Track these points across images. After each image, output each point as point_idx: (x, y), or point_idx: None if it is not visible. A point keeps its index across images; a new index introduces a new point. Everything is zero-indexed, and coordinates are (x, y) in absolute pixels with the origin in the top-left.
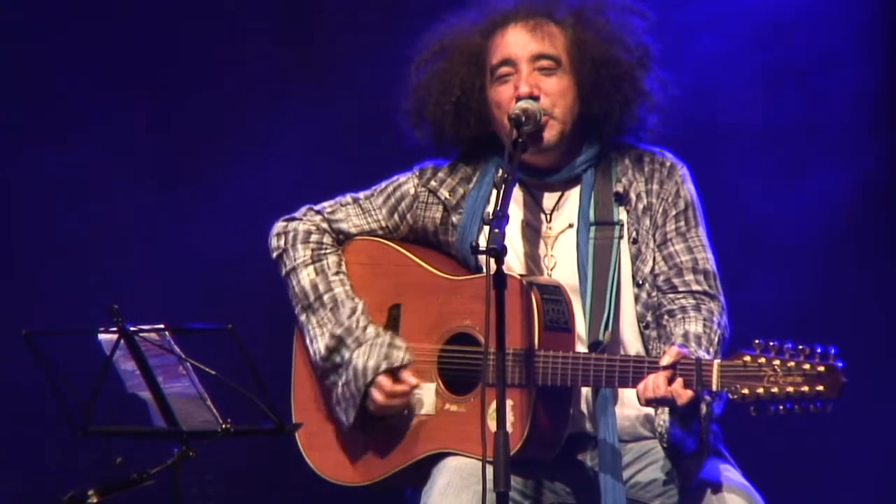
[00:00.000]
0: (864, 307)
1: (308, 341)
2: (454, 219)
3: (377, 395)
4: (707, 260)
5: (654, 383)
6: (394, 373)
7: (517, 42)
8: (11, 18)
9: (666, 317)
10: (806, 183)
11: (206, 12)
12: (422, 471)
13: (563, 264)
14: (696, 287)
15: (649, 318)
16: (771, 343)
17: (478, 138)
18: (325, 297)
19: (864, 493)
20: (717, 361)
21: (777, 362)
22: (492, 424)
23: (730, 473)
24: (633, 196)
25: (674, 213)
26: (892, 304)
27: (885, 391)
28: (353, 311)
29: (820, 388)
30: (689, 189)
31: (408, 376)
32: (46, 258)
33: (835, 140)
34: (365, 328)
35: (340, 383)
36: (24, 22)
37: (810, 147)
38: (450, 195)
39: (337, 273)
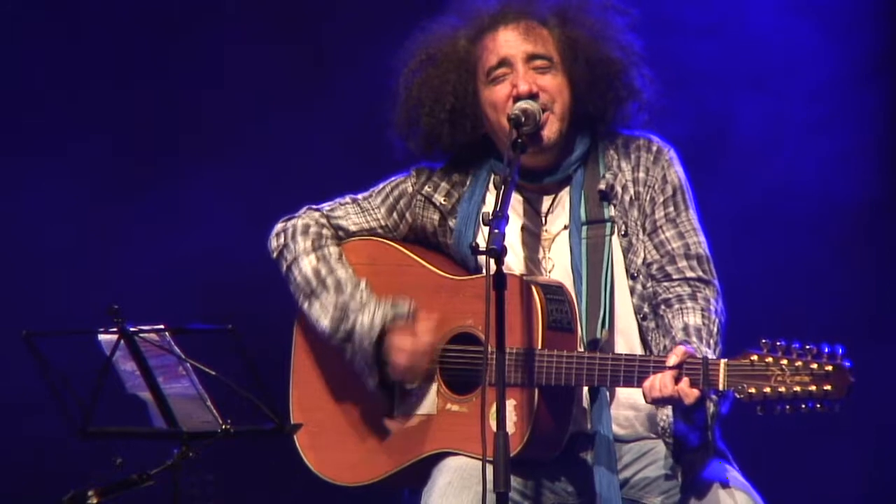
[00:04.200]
0: (857, 306)
1: (315, 323)
2: (450, 223)
3: (405, 342)
4: (699, 244)
5: (661, 382)
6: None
7: (510, 42)
8: None
9: (663, 307)
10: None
11: (207, 9)
12: (422, 471)
13: (560, 266)
14: (689, 273)
15: (646, 310)
16: (778, 342)
17: (471, 142)
18: (328, 280)
19: (863, 493)
20: (723, 361)
21: (784, 362)
22: (493, 424)
23: (730, 473)
24: (618, 189)
25: (662, 199)
26: (882, 302)
27: (884, 390)
28: (357, 285)
29: (827, 387)
30: (676, 172)
31: (425, 316)
32: (46, 259)
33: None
34: (369, 296)
35: (356, 351)
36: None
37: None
38: (445, 200)
39: (339, 260)
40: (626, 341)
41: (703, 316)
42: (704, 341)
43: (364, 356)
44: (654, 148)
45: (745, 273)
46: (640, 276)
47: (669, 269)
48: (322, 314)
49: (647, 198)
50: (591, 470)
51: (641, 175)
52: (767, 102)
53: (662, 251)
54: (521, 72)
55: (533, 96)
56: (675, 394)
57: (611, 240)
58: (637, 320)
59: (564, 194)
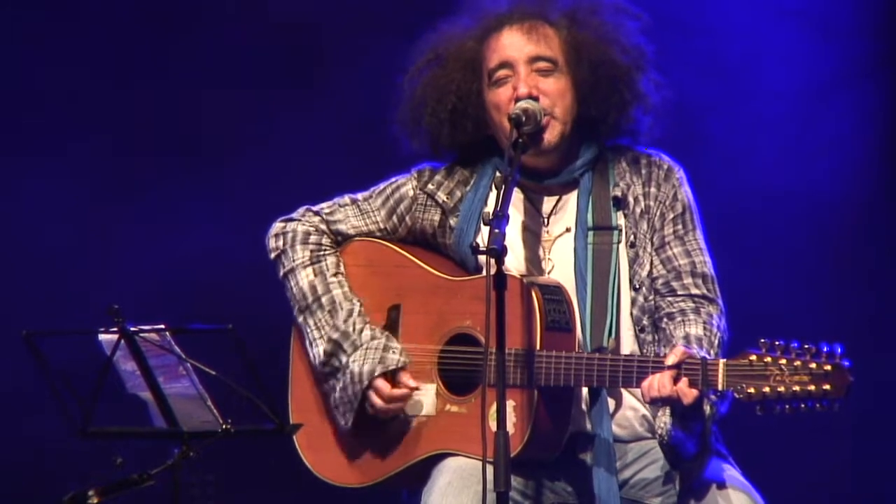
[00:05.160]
0: (857, 307)
1: (307, 344)
2: (451, 221)
3: (375, 400)
4: (705, 263)
5: (660, 382)
6: (392, 375)
7: (513, 44)
8: None
9: (665, 320)
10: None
11: (207, 9)
12: (422, 472)
13: (560, 268)
14: (694, 291)
15: (645, 322)
16: (777, 342)
17: (475, 142)
18: (324, 299)
19: (863, 492)
20: (722, 361)
21: (783, 361)
22: (493, 425)
23: (730, 472)
24: (630, 200)
25: (671, 216)
26: (884, 302)
27: (884, 392)
28: (350, 313)
29: (826, 387)
30: (686, 192)
31: (406, 379)
32: (46, 259)
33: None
34: (361, 331)
35: (338, 387)
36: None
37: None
38: (447, 198)
39: (336, 274)
40: (623, 352)
41: (704, 328)
42: (704, 349)
43: (349, 398)
44: (666, 166)
45: (741, 272)
46: (643, 289)
47: (675, 284)
48: (316, 338)
49: (658, 213)
50: (591, 471)
51: (653, 190)
52: (759, 101)
53: (669, 266)
54: (522, 74)
55: (534, 99)
56: (674, 394)
57: (618, 248)
58: (635, 331)
59: (570, 197)
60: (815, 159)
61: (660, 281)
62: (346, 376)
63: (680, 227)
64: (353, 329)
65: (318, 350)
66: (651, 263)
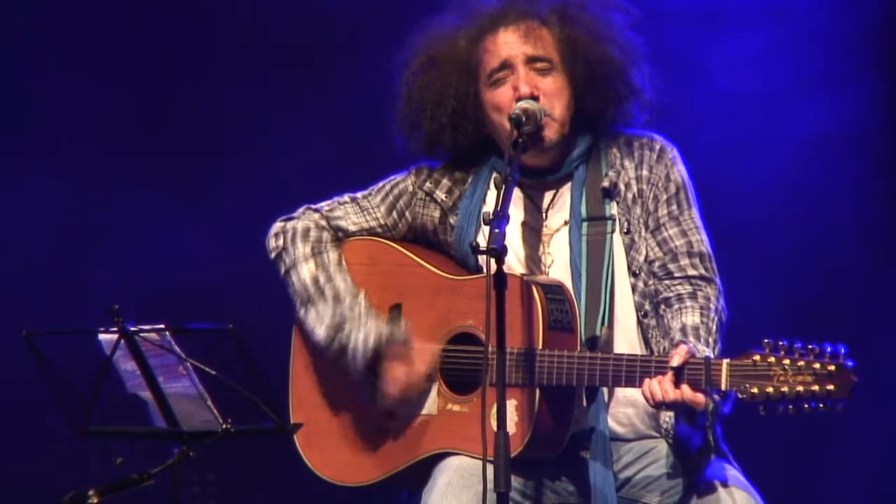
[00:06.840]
0: (863, 306)
1: (311, 332)
2: (451, 220)
3: (400, 371)
4: (701, 242)
5: (663, 389)
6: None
7: (510, 45)
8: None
9: (663, 306)
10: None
11: (205, 10)
12: (422, 471)
13: (559, 262)
14: (691, 272)
15: (647, 308)
16: (780, 342)
17: (473, 143)
18: (326, 290)
19: (863, 493)
20: (726, 361)
21: (787, 361)
22: (494, 424)
23: (731, 472)
24: (622, 187)
25: (665, 197)
26: (890, 302)
27: (885, 390)
28: (355, 297)
29: (830, 387)
30: (679, 171)
31: (420, 345)
32: (46, 259)
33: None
34: (365, 311)
35: (349, 365)
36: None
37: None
38: (446, 197)
39: (338, 267)
40: (626, 339)
41: (701, 314)
42: (703, 339)
43: (356, 372)
44: (658, 147)
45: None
46: (642, 274)
47: (671, 266)
48: (318, 324)
49: (651, 195)
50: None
51: (645, 173)
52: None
53: (665, 248)
54: (521, 74)
55: (534, 98)
56: (679, 398)
57: (612, 237)
58: (638, 317)
59: (565, 190)
60: (776, 155)
61: (657, 264)
62: (352, 350)
63: (675, 207)
64: (358, 310)
65: (321, 333)
66: (647, 248)
